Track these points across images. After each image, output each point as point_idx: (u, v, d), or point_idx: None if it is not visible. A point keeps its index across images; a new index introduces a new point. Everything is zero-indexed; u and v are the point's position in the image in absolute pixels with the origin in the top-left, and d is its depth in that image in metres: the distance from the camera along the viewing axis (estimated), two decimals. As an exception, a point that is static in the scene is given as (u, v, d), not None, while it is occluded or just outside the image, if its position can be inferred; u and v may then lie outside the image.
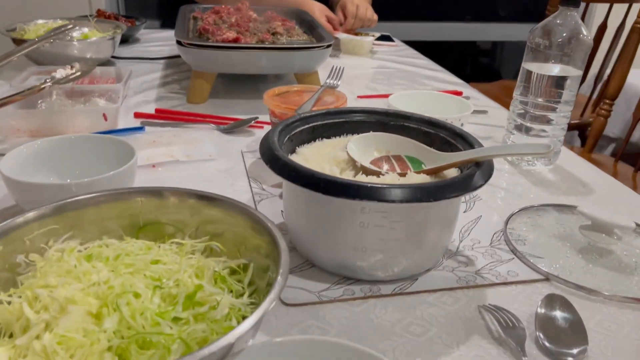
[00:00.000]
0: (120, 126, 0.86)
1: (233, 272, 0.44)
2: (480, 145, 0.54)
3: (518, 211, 0.66)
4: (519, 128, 0.80)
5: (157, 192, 0.46)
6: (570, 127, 1.74)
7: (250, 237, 0.44)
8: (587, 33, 0.72)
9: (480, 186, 0.48)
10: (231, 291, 0.42)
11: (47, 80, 0.77)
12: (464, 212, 0.66)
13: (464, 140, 0.56)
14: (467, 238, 0.60)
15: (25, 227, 0.41)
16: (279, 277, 0.37)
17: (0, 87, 1.02)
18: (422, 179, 0.52)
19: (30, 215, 0.41)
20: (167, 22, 1.71)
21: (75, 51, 1.09)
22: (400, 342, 0.45)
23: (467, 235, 0.61)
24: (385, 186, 0.45)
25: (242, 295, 0.42)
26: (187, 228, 0.47)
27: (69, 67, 0.80)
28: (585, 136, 1.84)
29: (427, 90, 1.15)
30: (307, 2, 1.47)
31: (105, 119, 0.83)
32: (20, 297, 0.38)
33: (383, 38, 1.64)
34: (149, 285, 0.38)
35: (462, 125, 0.87)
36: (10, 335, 0.37)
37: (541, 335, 0.45)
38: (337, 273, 0.52)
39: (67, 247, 0.42)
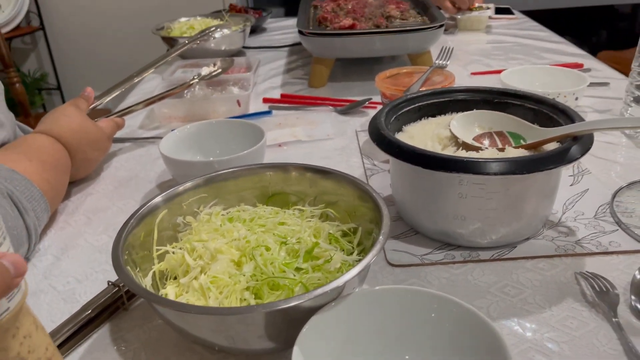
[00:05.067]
0: (251, 110, 0.98)
1: (344, 234, 0.52)
2: (581, 119, 0.55)
3: (628, 184, 0.66)
4: (637, 100, 0.78)
5: (283, 167, 0.55)
6: None
7: (358, 205, 0.52)
8: None
9: (576, 160, 0.50)
10: (343, 250, 0.50)
11: (195, 77, 0.90)
12: (571, 185, 0.68)
13: (566, 116, 0.58)
14: (571, 210, 0.62)
15: (183, 195, 0.52)
16: (381, 237, 0.43)
17: (153, 79, 1.19)
18: (520, 153, 0.56)
19: (188, 185, 0.52)
20: (291, 9, 1.83)
21: (212, 44, 1.23)
22: (495, 300, 0.50)
23: (572, 207, 0.63)
24: (479, 160, 0.50)
25: (352, 253, 0.49)
26: (307, 197, 0.56)
27: (212, 64, 0.92)
28: None
29: (544, 64, 1.13)
30: None
31: (239, 105, 0.95)
32: (181, 248, 0.49)
33: (502, 11, 1.61)
34: (277, 242, 0.47)
35: (576, 99, 0.87)
36: (174, 278, 0.49)
37: (634, 299, 0.47)
38: (438, 239, 0.58)
39: (214, 211, 0.53)
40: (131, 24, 2.49)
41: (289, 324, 0.40)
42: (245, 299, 0.42)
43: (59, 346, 0.47)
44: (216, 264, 0.44)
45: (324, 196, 0.55)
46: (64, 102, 2.67)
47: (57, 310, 0.52)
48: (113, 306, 0.51)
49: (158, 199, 0.50)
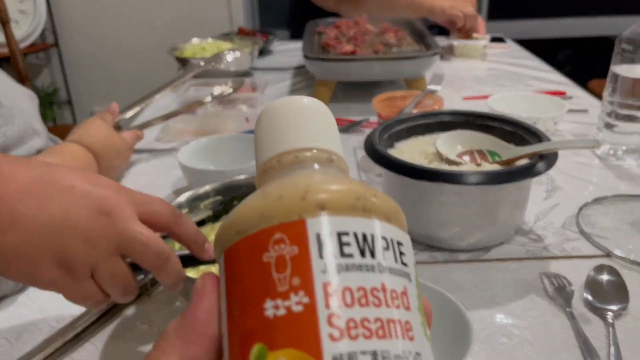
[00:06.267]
0: (258, 127, 1.06)
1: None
2: (548, 140, 0.64)
3: (593, 200, 0.74)
4: (607, 126, 0.86)
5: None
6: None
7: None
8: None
9: (540, 174, 0.59)
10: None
11: (209, 96, 0.99)
12: (544, 199, 0.76)
13: (537, 137, 0.66)
14: (542, 220, 0.70)
15: (203, 197, 0.60)
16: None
17: (167, 97, 1.28)
18: (494, 168, 0.64)
19: (207, 188, 0.61)
20: (296, 31, 1.93)
21: (222, 65, 1.33)
22: (469, 294, 0.58)
23: (542, 218, 0.71)
24: (458, 172, 0.58)
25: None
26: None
27: (224, 84, 1.01)
28: None
29: (530, 90, 1.22)
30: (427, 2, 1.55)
31: (247, 122, 1.03)
32: (200, 242, 0.57)
33: (496, 40, 1.70)
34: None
35: (555, 123, 0.95)
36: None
37: (587, 293, 0.55)
38: (423, 242, 0.66)
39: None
40: (141, 44, 2.60)
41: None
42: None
43: (88, 327, 0.55)
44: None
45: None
46: (74, 116, 2.78)
47: (89, 295, 0.60)
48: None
49: (182, 199, 0.59)
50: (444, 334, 0.46)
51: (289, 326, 0.17)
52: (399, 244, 0.19)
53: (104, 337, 0.54)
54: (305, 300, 0.17)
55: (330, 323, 0.16)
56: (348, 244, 0.18)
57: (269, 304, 0.17)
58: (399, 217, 0.20)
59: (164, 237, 0.43)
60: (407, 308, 0.18)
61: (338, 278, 0.17)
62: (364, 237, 0.18)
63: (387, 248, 0.18)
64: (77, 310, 0.57)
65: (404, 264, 0.19)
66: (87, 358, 0.52)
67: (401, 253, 0.19)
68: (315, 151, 0.21)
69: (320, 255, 0.17)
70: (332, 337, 0.16)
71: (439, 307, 0.48)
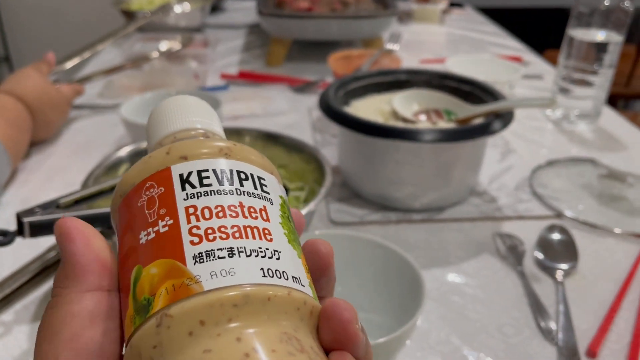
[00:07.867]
0: (208, 85, 1.02)
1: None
2: (504, 98, 0.63)
3: (546, 162, 0.74)
4: (562, 90, 0.86)
5: (236, 131, 0.60)
6: None
7: (305, 167, 0.57)
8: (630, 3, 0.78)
9: (495, 133, 0.58)
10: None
11: (156, 51, 0.93)
12: (498, 161, 0.75)
13: (493, 96, 0.65)
14: (496, 182, 0.70)
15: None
16: (323, 189, 0.49)
17: (112, 52, 1.21)
18: (450, 126, 0.63)
19: (149, 141, 0.57)
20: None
21: (170, 18, 1.26)
22: (422, 253, 0.57)
23: (496, 179, 0.71)
24: (413, 129, 0.56)
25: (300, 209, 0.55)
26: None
27: (173, 39, 0.96)
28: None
29: (487, 55, 1.21)
30: None
31: (197, 78, 0.98)
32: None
33: (455, 5, 1.69)
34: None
35: (510, 87, 0.95)
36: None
37: (538, 252, 0.55)
38: (378, 202, 0.64)
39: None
40: (88, -3, 2.45)
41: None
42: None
43: (19, 288, 0.51)
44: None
45: (275, 160, 0.60)
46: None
47: (22, 256, 0.55)
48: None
49: (122, 153, 0.55)
50: (397, 292, 0.45)
51: (158, 244, 0.19)
52: (261, 178, 0.22)
53: (37, 298, 0.51)
54: (170, 222, 0.19)
55: (191, 233, 0.19)
56: (207, 177, 0.20)
57: (142, 234, 0.20)
58: (264, 163, 0.23)
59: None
60: (266, 220, 0.20)
61: (197, 201, 0.20)
62: (222, 171, 0.21)
63: (246, 179, 0.21)
64: (7, 270, 0.53)
65: (264, 191, 0.22)
66: (18, 320, 0.48)
67: (262, 185, 0.22)
68: (191, 132, 0.24)
69: (183, 188, 0.20)
70: (192, 243, 0.19)
71: (393, 265, 0.46)
